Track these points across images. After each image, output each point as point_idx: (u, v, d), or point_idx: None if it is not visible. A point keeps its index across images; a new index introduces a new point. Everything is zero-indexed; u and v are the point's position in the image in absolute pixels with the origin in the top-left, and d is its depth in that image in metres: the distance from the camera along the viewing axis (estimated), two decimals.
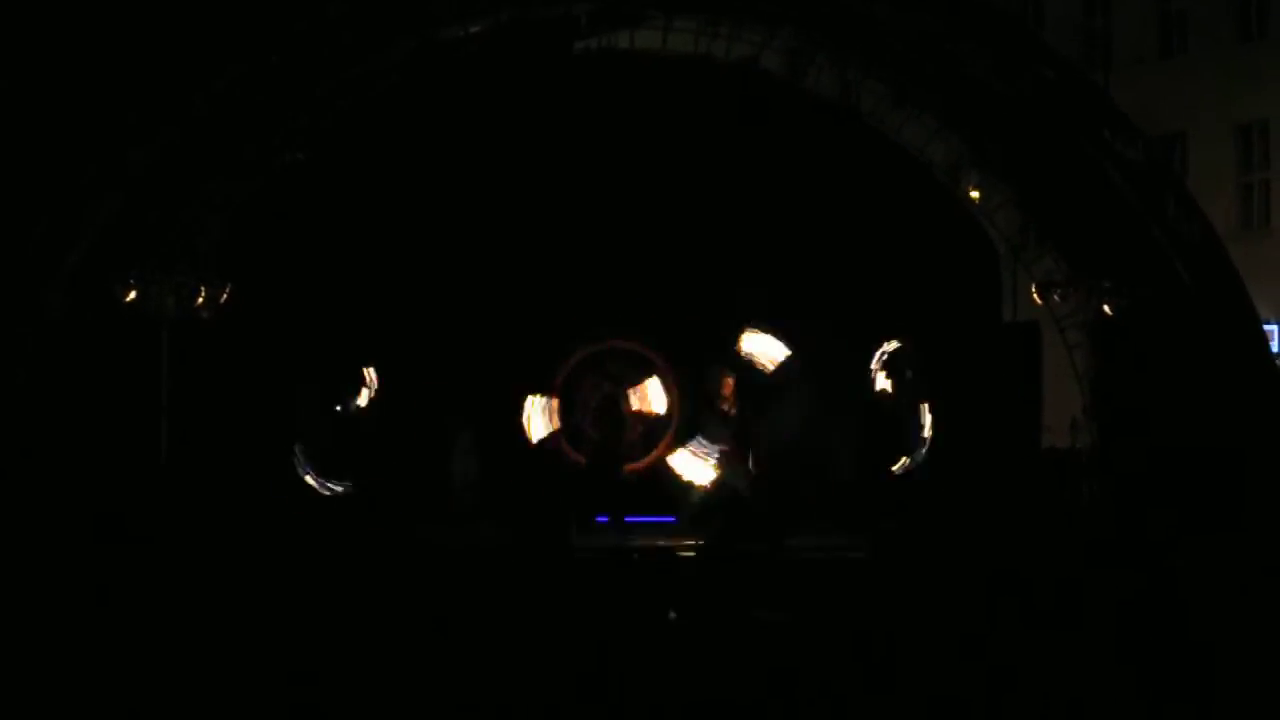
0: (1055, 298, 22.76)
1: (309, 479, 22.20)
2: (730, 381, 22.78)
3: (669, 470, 22.73)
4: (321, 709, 12.07)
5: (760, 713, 12.01)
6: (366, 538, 20.76)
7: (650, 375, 23.70)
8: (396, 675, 13.07)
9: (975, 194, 24.28)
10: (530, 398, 22.67)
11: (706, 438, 22.29)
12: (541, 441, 23.14)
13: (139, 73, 21.54)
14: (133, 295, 21.39)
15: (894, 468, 23.00)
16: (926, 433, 22.78)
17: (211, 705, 12.09)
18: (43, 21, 23.23)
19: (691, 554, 20.23)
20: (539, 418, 22.67)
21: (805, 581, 18.56)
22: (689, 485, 22.41)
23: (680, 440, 23.01)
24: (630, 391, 23.77)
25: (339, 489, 22.33)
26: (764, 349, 22.39)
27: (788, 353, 22.50)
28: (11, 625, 15.04)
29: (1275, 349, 26.74)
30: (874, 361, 23.08)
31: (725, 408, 22.84)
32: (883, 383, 23.11)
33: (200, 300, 21.61)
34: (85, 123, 21.55)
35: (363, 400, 23.28)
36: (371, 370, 23.04)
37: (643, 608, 16.44)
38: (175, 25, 22.01)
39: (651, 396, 23.50)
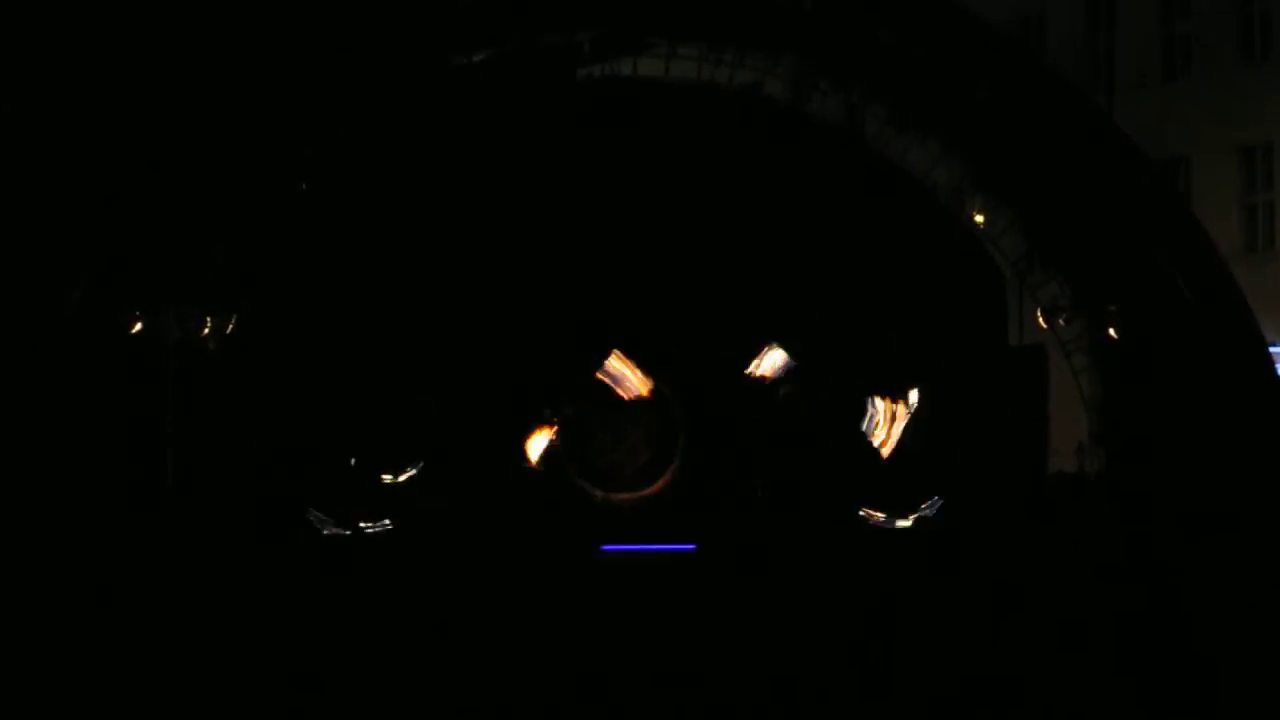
0: (1061, 322, 22.75)
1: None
2: None
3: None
4: (323, 713, 12.07)
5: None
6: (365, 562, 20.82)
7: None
8: (398, 680, 13.07)
9: (980, 218, 24.30)
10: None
11: None
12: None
13: (141, 100, 21.57)
14: (139, 326, 21.39)
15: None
16: None
17: (215, 711, 12.10)
18: (47, 45, 23.28)
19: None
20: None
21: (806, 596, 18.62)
22: None
23: (685, 467, 23.08)
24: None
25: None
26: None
27: None
28: (15, 646, 15.08)
29: None
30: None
31: None
32: None
33: (206, 330, 21.61)
34: (88, 150, 21.58)
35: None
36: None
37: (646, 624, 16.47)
38: (178, 53, 22.06)
39: None
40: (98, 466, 20.43)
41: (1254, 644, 15.36)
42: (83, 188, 21.27)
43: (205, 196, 21.63)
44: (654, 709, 12.92)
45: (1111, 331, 22.22)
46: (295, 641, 16.29)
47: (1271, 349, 24.21)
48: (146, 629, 16.52)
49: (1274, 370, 23.40)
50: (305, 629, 17.08)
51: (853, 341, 23.93)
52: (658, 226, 23.60)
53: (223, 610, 17.84)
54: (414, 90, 22.25)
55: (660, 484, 23.77)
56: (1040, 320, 23.07)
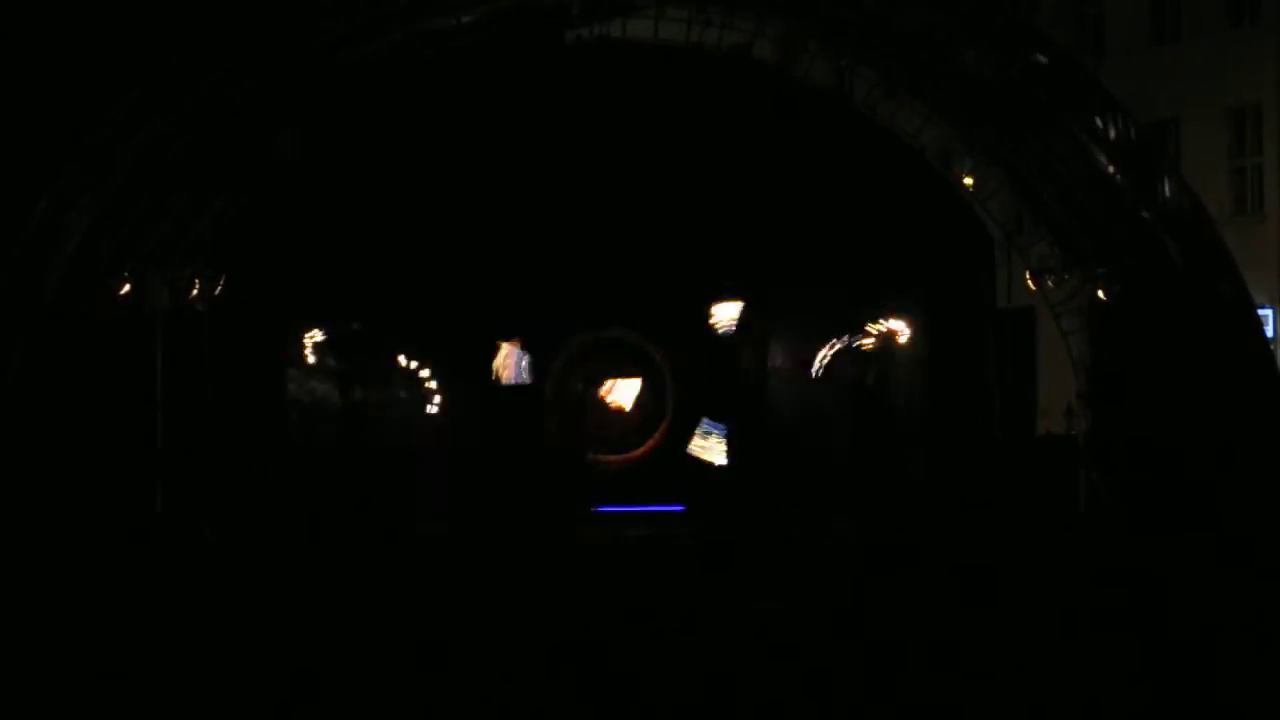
0: (1049, 283, 22.71)
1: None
2: None
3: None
4: (322, 701, 12.06)
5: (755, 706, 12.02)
6: (362, 531, 20.79)
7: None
8: (396, 666, 13.06)
9: (968, 180, 24.27)
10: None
11: None
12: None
13: (132, 65, 21.48)
14: (127, 288, 21.34)
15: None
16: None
17: (212, 699, 12.07)
18: (36, 18, 23.17)
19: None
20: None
21: (799, 569, 18.61)
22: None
23: (677, 429, 23.08)
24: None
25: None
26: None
27: None
28: (4, 615, 15.03)
29: (1269, 333, 26.71)
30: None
31: None
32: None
33: (194, 292, 21.55)
34: (78, 116, 21.50)
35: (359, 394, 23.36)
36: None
37: (641, 598, 16.47)
38: (167, 19, 21.95)
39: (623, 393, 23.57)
40: (90, 426, 20.38)
41: (1246, 607, 15.37)
42: (68, 153, 21.23)
43: (194, 157, 21.58)
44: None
45: (1100, 293, 22.19)
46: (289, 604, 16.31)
47: (1260, 311, 24.24)
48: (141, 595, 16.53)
49: (1262, 331, 23.44)
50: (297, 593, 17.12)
51: (842, 302, 24.04)
52: (647, 190, 23.59)
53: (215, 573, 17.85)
54: (401, 52, 22.17)
55: (650, 446, 23.81)
56: (1029, 282, 23.04)
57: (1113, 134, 22.01)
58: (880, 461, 23.81)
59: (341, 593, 16.80)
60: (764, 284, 24.16)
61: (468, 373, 24.34)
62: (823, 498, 23.42)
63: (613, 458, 23.74)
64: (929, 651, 13.58)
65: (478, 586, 17.49)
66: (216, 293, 21.54)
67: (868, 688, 12.31)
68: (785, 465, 24.32)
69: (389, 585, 17.36)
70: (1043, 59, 22.44)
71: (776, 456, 24.45)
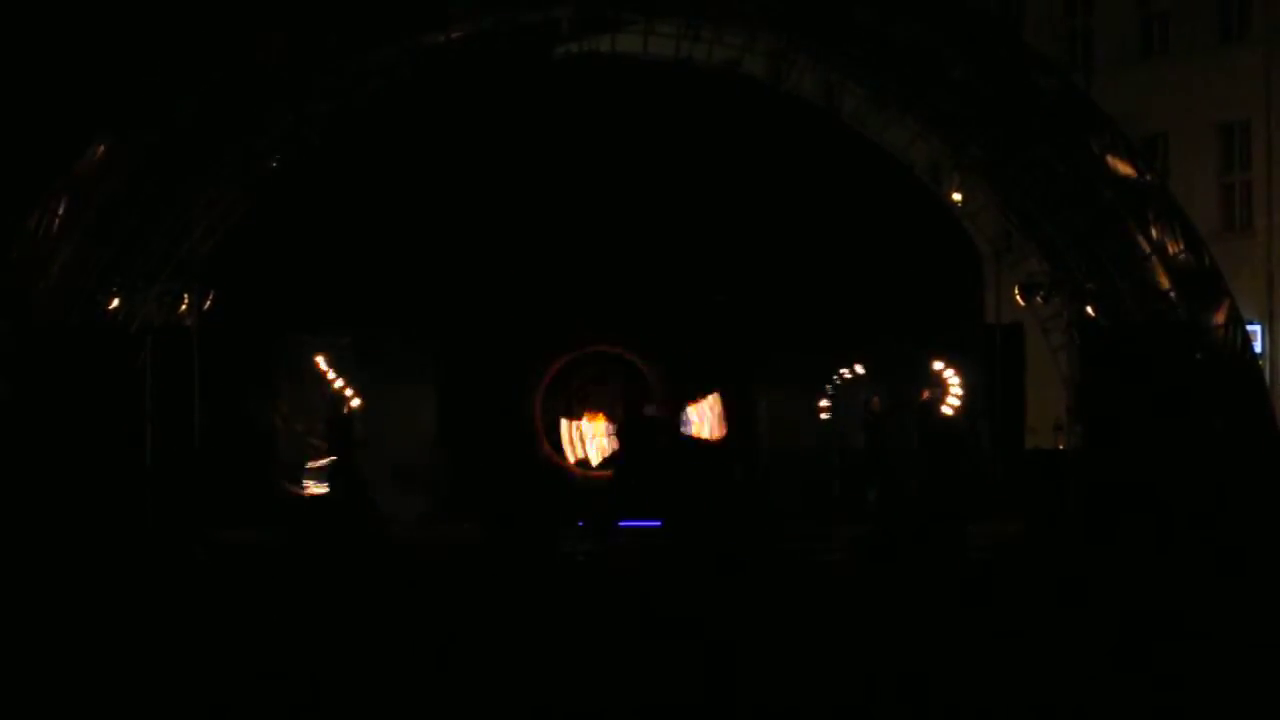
0: (1038, 299, 22.72)
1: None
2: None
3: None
4: (309, 709, 12.08)
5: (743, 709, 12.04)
6: (350, 542, 20.78)
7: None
8: (382, 676, 13.08)
9: (957, 196, 24.32)
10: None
11: None
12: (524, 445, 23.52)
13: (121, 79, 21.49)
14: (116, 303, 21.34)
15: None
16: None
17: (202, 708, 12.10)
18: (27, 30, 23.19)
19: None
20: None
21: (791, 582, 18.62)
22: None
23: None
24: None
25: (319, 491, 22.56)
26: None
27: None
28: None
29: (1258, 348, 26.76)
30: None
31: None
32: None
33: (183, 307, 21.55)
34: (66, 129, 21.50)
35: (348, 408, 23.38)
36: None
37: (625, 609, 16.49)
38: (157, 32, 21.97)
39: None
40: (79, 442, 20.35)
41: (1231, 625, 15.40)
42: (58, 166, 21.23)
43: (183, 172, 21.57)
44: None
45: (1089, 309, 22.19)
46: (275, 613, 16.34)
47: (1249, 327, 24.26)
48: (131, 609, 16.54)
49: (1251, 348, 23.46)
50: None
51: (829, 319, 24.11)
52: (636, 206, 23.64)
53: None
54: (391, 68, 22.20)
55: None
56: (1018, 298, 23.06)
57: (1101, 149, 22.03)
58: (872, 474, 23.83)
59: (331, 607, 16.81)
60: (752, 298, 24.18)
61: (458, 385, 24.37)
62: (816, 510, 23.48)
63: (599, 473, 23.77)
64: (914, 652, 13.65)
65: (466, 597, 17.53)
66: (205, 307, 21.55)
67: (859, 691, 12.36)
68: (779, 479, 24.41)
69: (378, 599, 17.38)
70: (1034, 74, 22.46)
71: (769, 470, 24.53)
